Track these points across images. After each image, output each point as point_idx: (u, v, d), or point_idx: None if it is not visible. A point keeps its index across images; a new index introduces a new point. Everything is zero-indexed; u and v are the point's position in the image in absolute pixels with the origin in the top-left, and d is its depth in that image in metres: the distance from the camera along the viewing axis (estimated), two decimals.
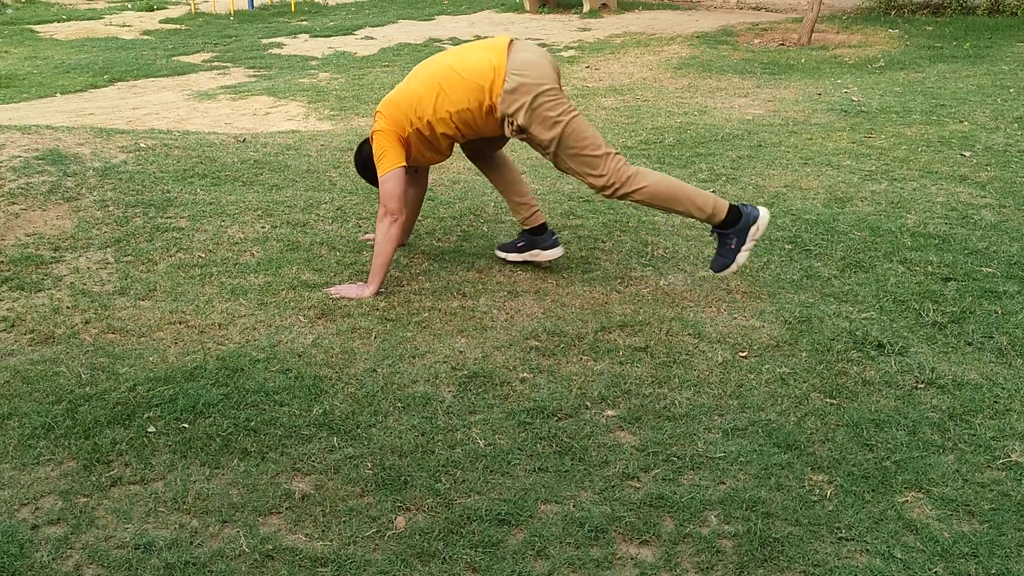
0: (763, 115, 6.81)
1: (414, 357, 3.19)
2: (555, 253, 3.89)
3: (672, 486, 2.56)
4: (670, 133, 6.23)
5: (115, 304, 3.52)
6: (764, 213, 3.58)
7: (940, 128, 6.25)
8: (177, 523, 2.38)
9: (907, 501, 2.52)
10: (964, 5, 11.47)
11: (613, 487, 2.55)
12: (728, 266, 3.60)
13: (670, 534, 2.38)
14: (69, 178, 4.57)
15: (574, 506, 2.48)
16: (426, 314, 3.49)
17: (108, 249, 3.97)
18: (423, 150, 3.69)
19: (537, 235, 3.90)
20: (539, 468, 2.63)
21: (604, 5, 13.34)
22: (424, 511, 2.45)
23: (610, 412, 2.90)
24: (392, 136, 3.60)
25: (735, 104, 7.25)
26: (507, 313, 3.52)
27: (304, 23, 12.91)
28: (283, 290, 3.64)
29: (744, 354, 3.26)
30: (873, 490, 2.56)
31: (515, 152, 5.51)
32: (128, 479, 2.54)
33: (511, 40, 3.58)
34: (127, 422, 2.77)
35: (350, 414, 2.85)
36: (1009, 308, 3.63)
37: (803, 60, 9.23)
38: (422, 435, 2.76)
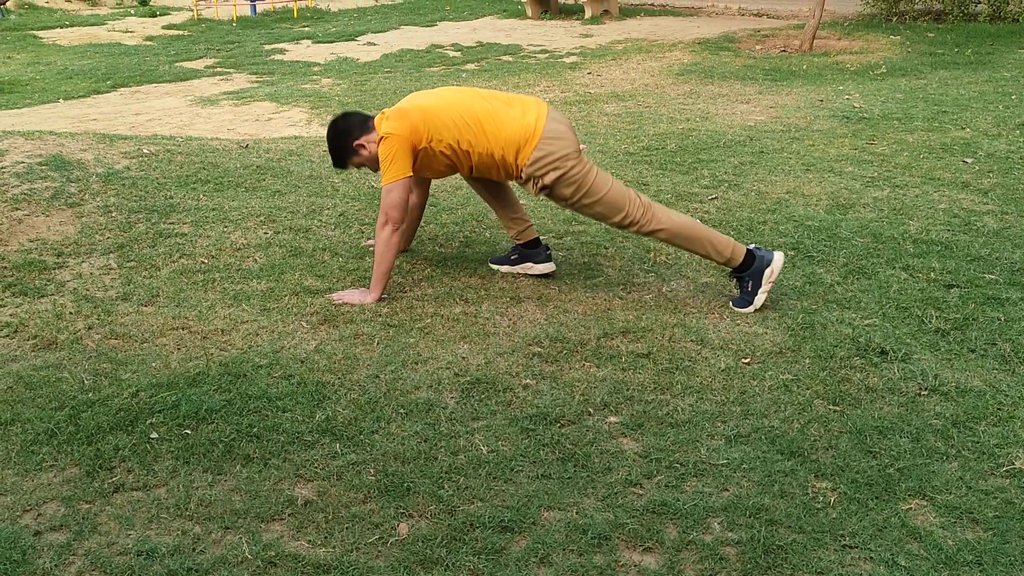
0: (765, 121, 6.81)
1: (417, 363, 3.19)
2: (547, 268, 3.93)
3: (675, 493, 2.55)
4: (672, 139, 6.23)
5: (118, 310, 3.52)
6: (779, 257, 3.64)
7: (942, 135, 6.26)
8: (179, 529, 2.38)
9: (911, 508, 2.52)
10: (965, 12, 11.49)
11: (616, 494, 2.55)
12: (747, 306, 3.64)
13: (673, 541, 2.38)
14: (72, 184, 4.58)
15: (577, 513, 2.47)
16: (429, 320, 3.49)
17: (111, 255, 3.97)
18: (430, 164, 3.68)
19: (530, 249, 3.93)
20: (542, 475, 2.62)
21: (606, 11, 13.37)
22: (427, 518, 2.44)
23: (613, 418, 2.90)
24: (406, 143, 3.54)
25: (737, 110, 7.26)
26: (510, 319, 3.52)
27: (306, 29, 12.93)
28: (286, 296, 3.65)
29: (747, 361, 3.25)
30: (877, 497, 2.55)
31: None
32: (131, 485, 2.54)
33: (548, 107, 3.65)
34: (130, 428, 2.77)
35: (353, 420, 2.85)
36: (1012, 315, 3.62)
37: (805, 66, 9.24)
38: (425, 441, 2.76)
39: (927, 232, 4.47)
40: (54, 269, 3.82)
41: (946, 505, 2.53)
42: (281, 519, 2.43)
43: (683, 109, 7.31)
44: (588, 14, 13.18)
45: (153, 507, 2.45)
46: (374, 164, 3.69)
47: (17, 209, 4.26)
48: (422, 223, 4.36)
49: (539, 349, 3.30)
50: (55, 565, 2.25)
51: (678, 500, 2.52)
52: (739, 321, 3.54)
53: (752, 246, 3.68)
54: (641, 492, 2.56)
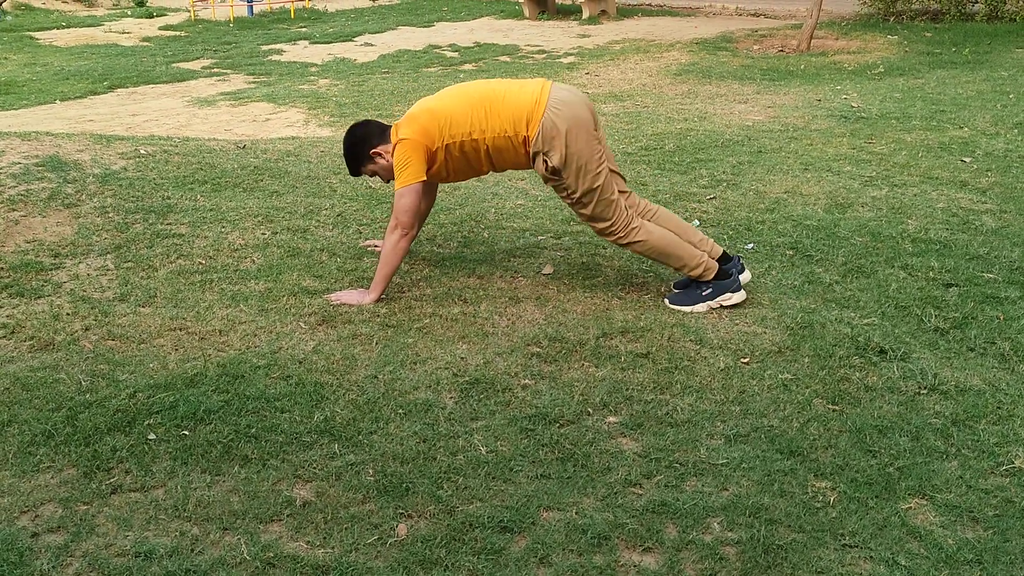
0: (763, 121, 6.81)
1: (415, 363, 3.18)
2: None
3: (675, 493, 2.55)
4: (670, 139, 6.23)
5: (115, 311, 3.51)
6: (742, 295, 3.62)
7: (940, 134, 6.26)
8: (178, 530, 2.37)
9: (911, 507, 2.51)
10: (963, 11, 11.49)
11: (615, 494, 2.54)
12: (683, 305, 3.61)
13: (673, 541, 2.37)
14: (69, 185, 4.56)
15: (576, 513, 2.47)
16: (427, 320, 3.48)
17: (108, 255, 3.96)
18: (453, 167, 3.66)
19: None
20: (541, 475, 2.62)
21: (603, 12, 13.37)
22: (426, 518, 2.44)
23: (612, 418, 2.90)
24: (420, 147, 3.53)
25: (735, 110, 7.25)
26: (508, 319, 3.52)
27: (303, 29, 12.92)
28: (284, 296, 3.64)
29: (746, 360, 3.25)
30: (876, 496, 2.55)
31: None
32: (128, 486, 2.53)
33: (552, 82, 3.61)
34: (127, 429, 2.76)
35: (351, 421, 2.84)
36: (1011, 314, 3.62)
37: (802, 66, 9.24)
38: (424, 442, 2.75)
39: (926, 231, 4.46)
40: (51, 270, 3.81)
41: (946, 504, 2.52)
42: (280, 520, 2.42)
43: (681, 109, 7.31)
44: (585, 14, 13.18)
45: (151, 508, 2.44)
46: (388, 173, 3.71)
47: (14, 210, 4.25)
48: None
49: (538, 349, 3.29)
50: (53, 566, 2.24)
51: (678, 500, 2.51)
52: (738, 321, 3.54)
53: (737, 264, 3.64)
54: (640, 492, 2.56)
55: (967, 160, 5.64)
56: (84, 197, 4.47)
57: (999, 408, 2.98)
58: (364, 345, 3.29)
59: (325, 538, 2.36)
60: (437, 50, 11.03)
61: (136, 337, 3.32)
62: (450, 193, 5.01)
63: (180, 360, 3.16)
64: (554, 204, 4.81)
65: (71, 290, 3.67)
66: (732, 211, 4.76)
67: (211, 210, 4.45)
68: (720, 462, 2.68)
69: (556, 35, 11.96)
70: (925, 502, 2.54)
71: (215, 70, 10.10)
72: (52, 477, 2.56)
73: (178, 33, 12.90)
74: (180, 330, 3.37)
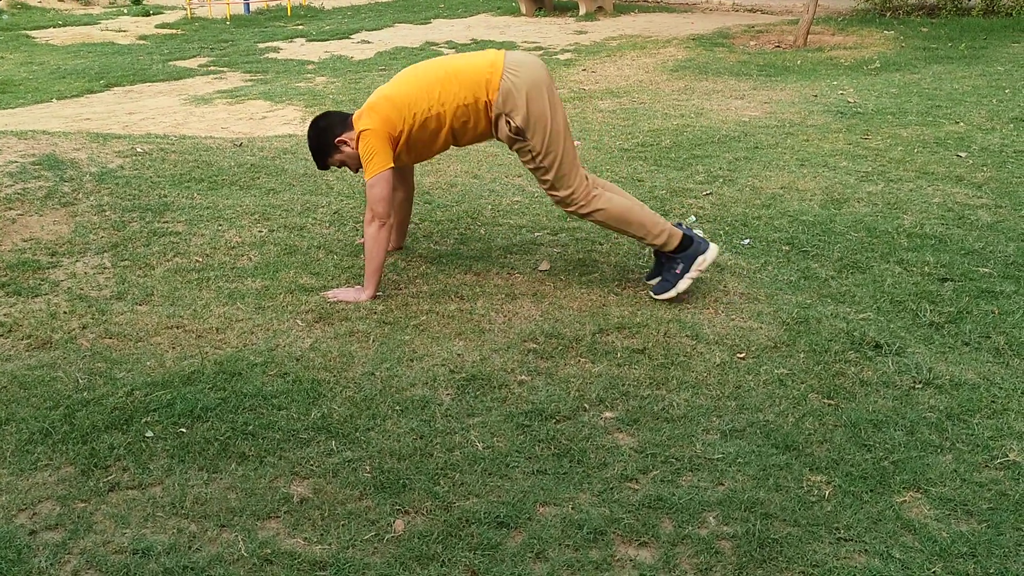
0: (759, 117, 6.82)
1: (412, 360, 3.19)
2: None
3: (671, 487, 2.56)
4: (666, 135, 6.23)
5: (112, 309, 3.52)
6: (714, 248, 3.67)
7: (936, 129, 6.26)
8: (175, 528, 2.38)
9: (905, 501, 2.52)
10: (959, 6, 11.50)
11: (612, 489, 2.55)
12: (668, 291, 3.64)
13: (669, 535, 2.38)
14: (66, 183, 4.57)
15: (573, 508, 2.47)
16: (424, 317, 3.49)
17: (105, 254, 3.97)
18: (414, 146, 3.67)
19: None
20: (538, 470, 2.63)
21: (600, 8, 13.36)
22: (423, 514, 2.45)
23: (608, 414, 2.90)
24: (383, 136, 3.54)
25: (731, 106, 7.26)
26: (505, 316, 3.52)
27: (300, 27, 12.91)
28: (280, 294, 3.64)
29: (742, 355, 3.26)
30: (871, 490, 2.56)
31: (510, 155, 5.50)
32: (126, 484, 2.54)
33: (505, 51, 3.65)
34: (125, 427, 2.77)
35: (348, 418, 2.85)
36: (1006, 308, 3.63)
37: (799, 62, 9.24)
38: (420, 438, 2.76)
39: (921, 226, 4.47)
40: (48, 269, 3.82)
41: (940, 497, 2.53)
42: (277, 517, 2.43)
43: (677, 105, 7.32)
44: (582, 11, 13.17)
45: (148, 505, 2.45)
46: (354, 161, 3.70)
47: (10, 209, 4.25)
48: (416, 220, 4.36)
49: (534, 345, 3.30)
50: (50, 564, 2.25)
51: (673, 495, 2.52)
52: (734, 316, 3.55)
53: (686, 228, 3.69)
54: (637, 487, 2.56)
55: (963, 155, 5.65)
56: (81, 196, 4.47)
57: (993, 402, 2.99)
58: (361, 342, 3.30)
59: (322, 534, 2.36)
60: (434, 47, 11.02)
61: (133, 335, 3.33)
62: (446, 190, 5.01)
63: (177, 358, 3.17)
64: (550, 201, 4.81)
65: (68, 288, 3.67)
66: (728, 207, 4.76)
67: (208, 208, 4.46)
68: (716, 457, 2.69)
69: (553, 31, 11.95)
70: (919, 495, 2.55)
71: (212, 68, 10.09)
72: (50, 475, 2.57)
73: (174, 31, 12.89)
74: (177, 328, 3.38)
